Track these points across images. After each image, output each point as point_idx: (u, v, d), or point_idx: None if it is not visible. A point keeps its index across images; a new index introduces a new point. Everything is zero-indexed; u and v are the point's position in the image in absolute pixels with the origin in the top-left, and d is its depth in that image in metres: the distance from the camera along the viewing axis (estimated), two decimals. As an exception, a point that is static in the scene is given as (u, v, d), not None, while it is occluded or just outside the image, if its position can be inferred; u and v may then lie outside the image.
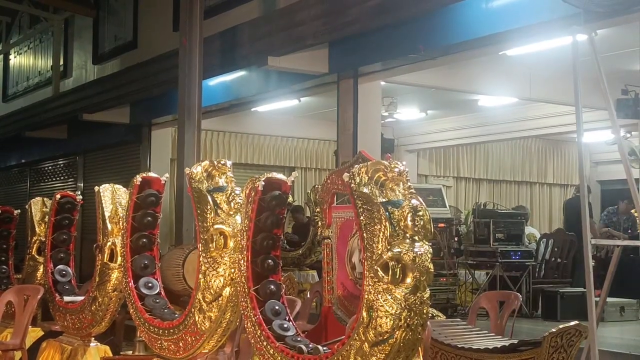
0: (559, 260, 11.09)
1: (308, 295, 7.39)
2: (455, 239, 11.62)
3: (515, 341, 5.12)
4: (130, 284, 5.09)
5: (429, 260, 3.15)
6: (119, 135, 13.79)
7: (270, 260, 4.09)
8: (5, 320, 6.65)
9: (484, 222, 11.02)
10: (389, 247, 3.12)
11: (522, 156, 17.69)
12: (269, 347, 3.88)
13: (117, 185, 5.77)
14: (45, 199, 7.28)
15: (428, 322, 3.40)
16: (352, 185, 3.21)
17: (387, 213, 3.13)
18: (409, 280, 3.11)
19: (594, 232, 11.17)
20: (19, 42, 17.67)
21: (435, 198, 10.96)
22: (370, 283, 3.17)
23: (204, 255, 4.41)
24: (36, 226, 7.18)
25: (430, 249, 3.19)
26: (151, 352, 5.09)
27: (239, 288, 4.17)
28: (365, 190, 3.17)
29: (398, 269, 3.10)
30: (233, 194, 4.40)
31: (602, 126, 11.39)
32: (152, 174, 5.26)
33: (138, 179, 5.14)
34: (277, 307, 4.03)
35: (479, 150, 17.22)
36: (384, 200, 3.16)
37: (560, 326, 4.83)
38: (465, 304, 10.55)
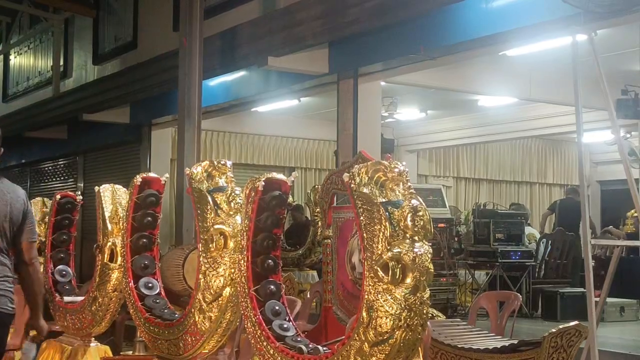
0: (558, 260, 11.08)
1: (308, 295, 7.38)
2: (455, 239, 11.61)
3: (515, 341, 5.12)
4: (130, 284, 5.10)
5: (429, 260, 3.15)
6: (119, 135, 13.77)
7: (270, 261, 4.09)
8: (5, 320, 6.63)
9: (484, 222, 11.01)
10: (389, 247, 3.11)
11: (522, 156, 17.67)
12: (269, 347, 3.88)
13: (117, 186, 5.78)
14: (45, 199, 7.29)
15: (428, 322, 3.40)
16: (352, 185, 3.21)
17: (387, 213, 3.13)
18: (408, 280, 3.11)
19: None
20: (19, 42, 17.64)
21: (435, 198, 10.95)
22: (370, 283, 3.17)
23: (204, 255, 4.41)
24: (36, 226, 7.17)
25: (430, 249, 3.19)
26: (151, 352, 5.09)
27: (239, 288, 4.17)
28: (365, 190, 3.17)
29: (398, 269, 3.10)
30: (233, 194, 4.40)
31: (602, 126, 11.38)
32: (152, 174, 5.27)
33: (138, 179, 5.15)
34: (277, 307, 4.03)
35: (478, 150, 17.20)
36: (384, 200, 3.16)
37: (560, 326, 4.84)
38: (465, 304, 10.54)
